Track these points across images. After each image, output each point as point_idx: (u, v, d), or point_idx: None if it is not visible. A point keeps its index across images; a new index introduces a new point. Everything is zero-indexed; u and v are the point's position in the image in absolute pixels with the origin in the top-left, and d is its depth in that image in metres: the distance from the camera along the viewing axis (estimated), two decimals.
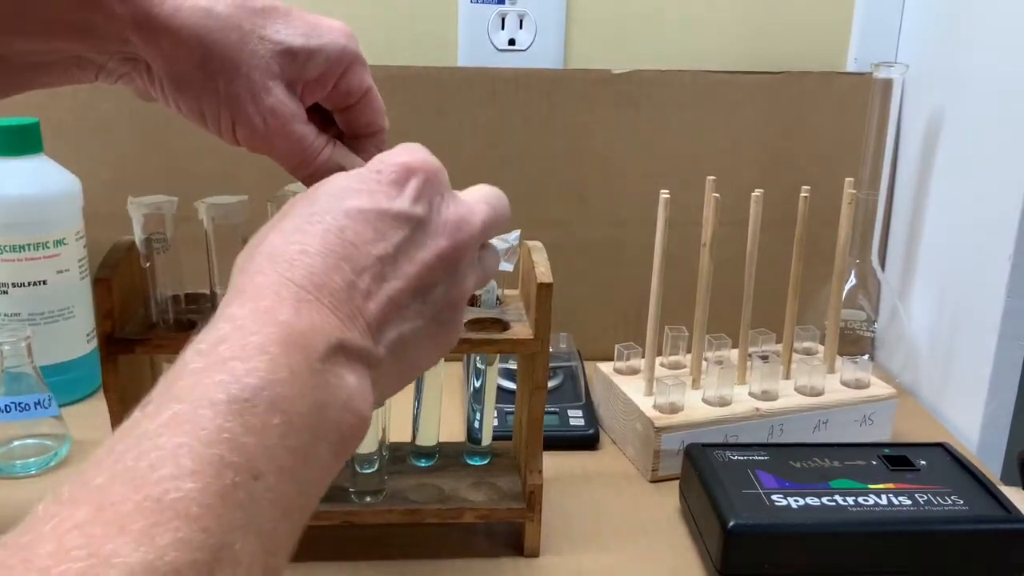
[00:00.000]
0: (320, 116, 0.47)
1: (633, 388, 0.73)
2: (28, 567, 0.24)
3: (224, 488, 0.27)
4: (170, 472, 0.27)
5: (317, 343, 0.33)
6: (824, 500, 0.58)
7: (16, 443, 0.68)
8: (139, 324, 0.55)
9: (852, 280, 0.85)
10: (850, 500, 0.58)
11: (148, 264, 0.55)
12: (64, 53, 0.43)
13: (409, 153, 0.40)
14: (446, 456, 0.64)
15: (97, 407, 0.65)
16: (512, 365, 0.75)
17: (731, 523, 0.55)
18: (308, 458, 0.31)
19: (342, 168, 0.45)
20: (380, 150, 0.48)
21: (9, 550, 0.25)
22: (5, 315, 0.74)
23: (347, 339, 0.34)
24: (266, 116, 0.42)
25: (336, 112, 0.47)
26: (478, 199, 0.42)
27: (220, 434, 0.28)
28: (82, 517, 0.26)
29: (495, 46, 0.88)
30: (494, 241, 0.58)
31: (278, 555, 0.29)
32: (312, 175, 0.45)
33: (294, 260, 0.35)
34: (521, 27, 0.87)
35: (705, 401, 0.71)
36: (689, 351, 0.76)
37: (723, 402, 0.71)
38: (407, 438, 0.64)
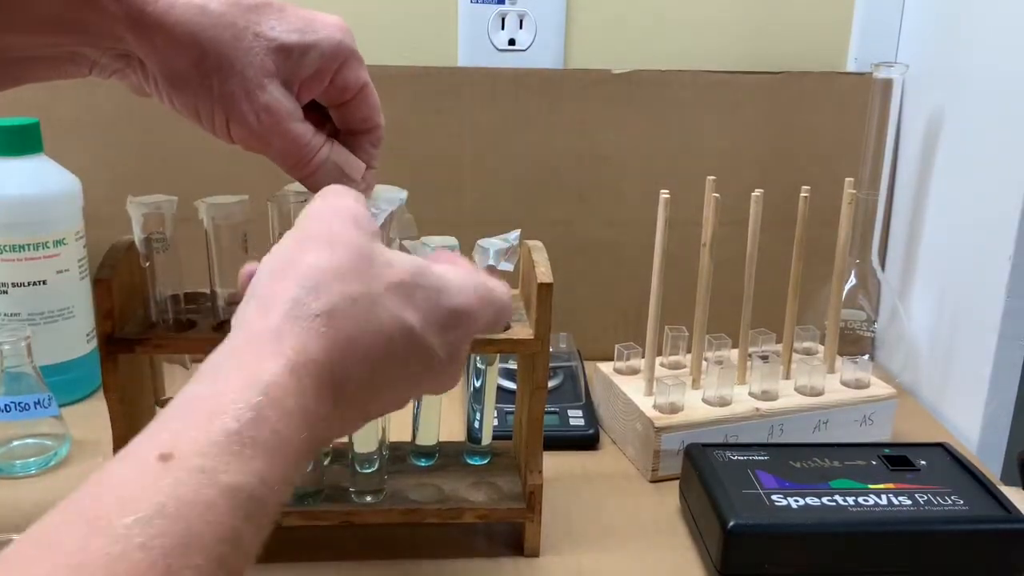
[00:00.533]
0: (318, 114, 0.47)
1: (633, 388, 0.73)
2: None
3: (249, 512, 0.28)
4: (177, 563, 0.26)
5: (320, 437, 0.34)
6: (824, 500, 0.58)
7: (16, 443, 0.68)
8: (139, 324, 0.55)
9: (852, 280, 0.85)
10: (850, 500, 0.58)
11: (148, 264, 0.55)
12: (58, 48, 0.43)
13: (471, 298, 0.39)
14: (446, 456, 0.64)
15: (97, 407, 0.65)
16: (512, 365, 0.75)
17: (731, 523, 0.55)
18: (293, 486, 0.33)
19: (339, 169, 0.45)
20: (375, 147, 0.48)
21: None
22: (5, 315, 0.74)
23: (328, 438, 0.36)
24: (260, 114, 0.42)
25: (332, 108, 0.47)
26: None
27: (231, 532, 0.28)
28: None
29: (495, 46, 0.88)
30: (495, 240, 0.58)
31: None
32: (310, 175, 0.45)
33: (342, 347, 0.34)
34: (521, 27, 0.87)
35: (705, 401, 0.71)
36: (689, 351, 0.76)
37: (723, 402, 0.71)
38: (407, 438, 0.64)
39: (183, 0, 0.40)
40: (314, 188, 0.44)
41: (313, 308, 0.34)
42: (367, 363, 0.35)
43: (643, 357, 0.74)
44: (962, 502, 0.58)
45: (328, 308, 0.34)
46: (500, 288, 0.42)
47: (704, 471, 0.60)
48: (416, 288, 0.37)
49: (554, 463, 0.69)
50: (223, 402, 0.30)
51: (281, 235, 0.46)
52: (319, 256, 0.35)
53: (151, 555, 0.26)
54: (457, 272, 0.40)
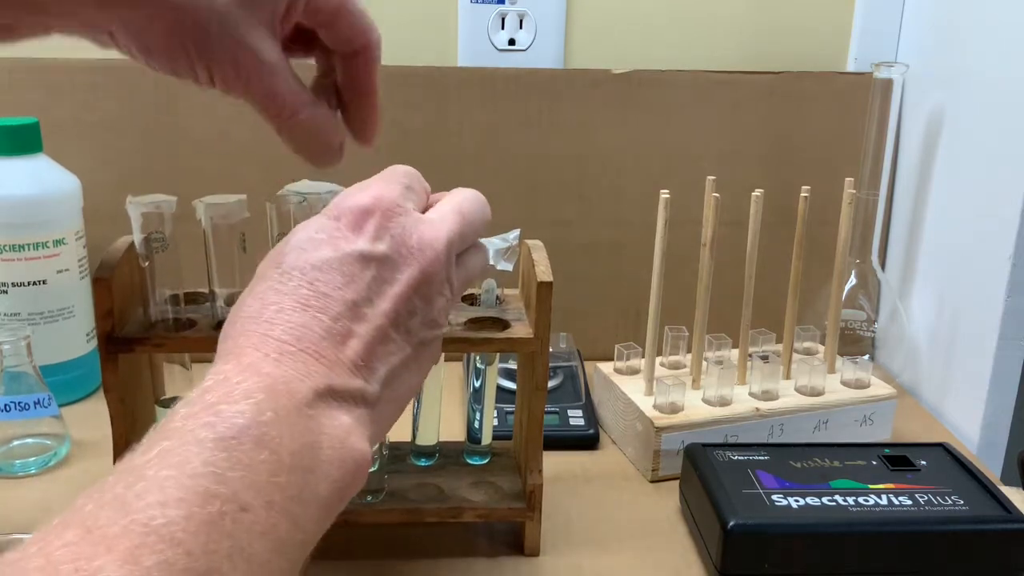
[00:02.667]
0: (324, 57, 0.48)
1: (633, 388, 0.73)
2: None
3: (210, 516, 0.28)
4: (156, 499, 0.28)
5: (302, 388, 0.34)
6: (824, 500, 0.58)
7: (16, 442, 0.68)
8: (138, 323, 0.55)
9: (852, 280, 0.85)
10: (850, 500, 0.58)
11: (147, 263, 0.55)
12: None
13: (362, 192, 0.41)
14: (446, 456, 0.64)
15: (97, 407, 0.65)
16: (512, 365, 0.75)
17: (731, 523, 0.55)
18: (303, 495, 0.32)
19: (314, 131, 0.45)
20: (371, 66, 0.49)
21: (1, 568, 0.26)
22: (5, 315, 0.74)
23: (335, 383, 0.36)
24: (241, 71, 0.41)
25: (320, 33, 0.47)
26: (449, 210, 0.43)
27: (206, 467, 0.29)
28: (71, 537, 0.26)
29: (495, 46, 0.88)
30: (495, 239, 0.58)
31: None
32: (286, 129, 0.45)
33: (273, 319, 0.36)
34: (521, 27, 0.87)
35: (705, 401, 0.71)
36: (689, 351, 0.76)
37: (723, 402, 0.71)
38: (407, 437, 0.64)
39: None
40: (289, 142, 0.45)
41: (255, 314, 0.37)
42: (313, 310, 0.37)
43: (643, 357, 0.74)
44: (962, 502, 0.58)
45: (256, 309, 0.37)
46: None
47: (704, 471, 0.60)
48: (310, 230, 0.40)
49: (554, 463, 0.69)
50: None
51: (280, 235, 0.47)
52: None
53: (128, 499, 0.28)
54: (354, 186, 0.43)
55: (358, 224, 0.40)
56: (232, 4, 0.40)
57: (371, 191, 0.41)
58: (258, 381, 0.33)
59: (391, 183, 0.43)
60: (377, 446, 0.58)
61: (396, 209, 0.41)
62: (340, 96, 0.49)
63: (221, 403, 0.32)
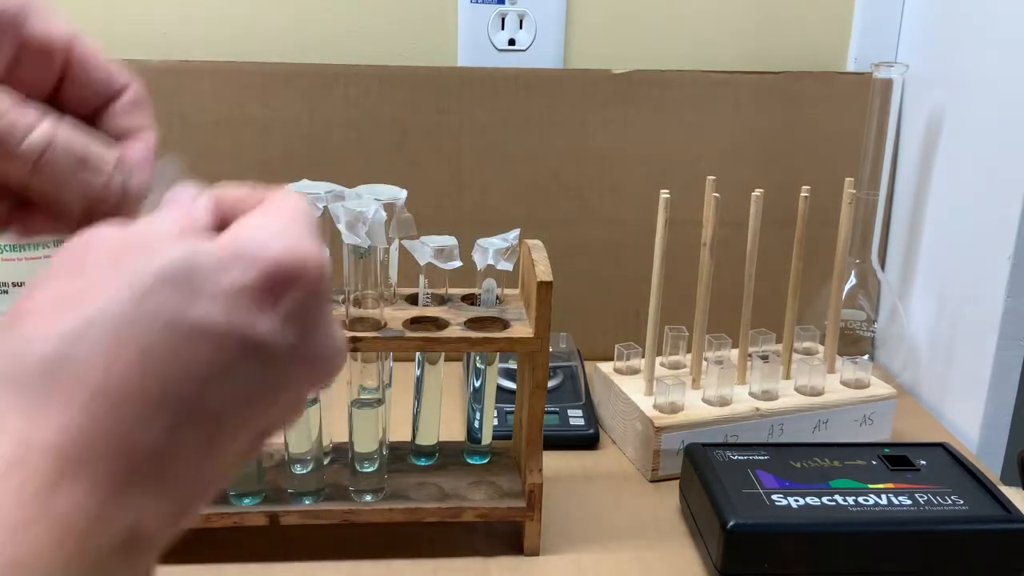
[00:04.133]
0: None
1: (633, 388, 0.73)
2: None
3: None
4: None
5: (104, 534, 0.23)
6: (824, 500, 0.58)
7: None
8: None
9: (852, 280, 0.85)
10: (850, 500, 0.58)
11: None
12: None
13: (290, 243, 0.26)
14: (446, 455, 0.64)
15: None
16: (512, 365, 0.75)
17: (731, 523, 0.55)
18: None
19: (75, 157, 0.30)
20: (138, 107, 0.34)
21: None
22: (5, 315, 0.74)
23: (145, 523, 0.24)
24: None
25: (58, 94, 0.32)
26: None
27: None
28: None
29: (495, 46, 0.88)
30: (495, 239, 0.58)
31: None
32: (35, 171, 0.29)
33: (85, 403, 0.23)
34: (521, 27, 0.87)
35: (705, 401, 0.71)
36: (689, 351, 0.76)
37: (723, 402, 0.71)
38: (407, 437, 0.64)
39: None
40: (50, 193, 0.30)
41: (26, 363, 0.24)
42: (153, 404, 0.24)
43: (643, 357, 0.74)
44: (962, 502, 0.58)
45: (46, 356, 0.23)
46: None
47: (704, 471, 0.60)
48: (193, 272, 0.25)
49: (554, 463, 0.69)
50: None
51: None
52: (33, 299, 0.26)
53: None
54: (257, 218, 0.28)
55: (273, 291, 0.26)
56: None
57: (301, 246, 0.27)
58: (42, 536, 0.22)
59: (316, 241, 0.28)
60: (377, 446, 0.58)
61: (324, 283, 0.27)
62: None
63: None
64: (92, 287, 0.25)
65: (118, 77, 0.33)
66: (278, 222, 0.27)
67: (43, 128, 0.29)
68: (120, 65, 0.33)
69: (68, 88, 0.33)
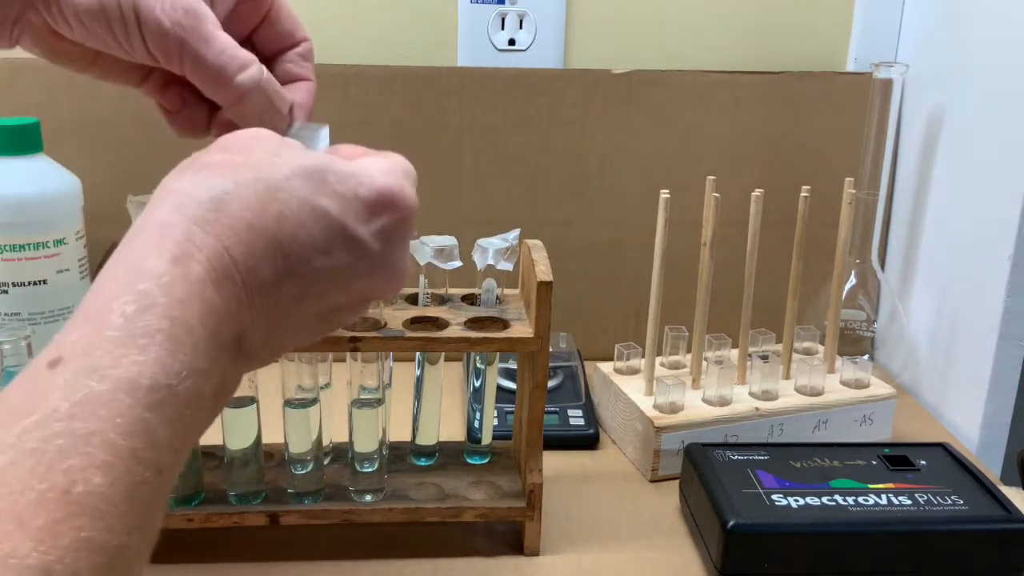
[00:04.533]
0: None
1: (633, 388, 0.73)
2: None
3: (133, 485, 0.25)
4: (79, 463, 0.24)
5: (228, 331, 0.31)
6: (824, 500, 0.58)
7: None
8: None
9: (852, 280, 0.85)
10: (850, 500, 0.58)
11: None
12: None
13: (395, 180, 0.36)
14: (446, 455, 0.64)
15: None
16: (512, 365, 0.75)
17: (731, 523, 0.55)
18: (194, 438, 0.30)
19: (268, 99, 0.40)
20: (308, 60, 0.44)
21: None
22: (5, 315, 0.74)
23: (248, 337, 0.32)
24: (177, 13, 0.37)
25: (253, 36, 0.43)
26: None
27: (137, 425, 0.26)
28: None
29: (495, 46, 0.88)
30: (495, 239, 0.58)
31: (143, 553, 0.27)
32: (237, 99, 0.40)
33: (239, 231, 0.31)
34: (521, 27, 0.87)
35: (705, 401, 0.71)
36: (689, 351, 0.76)
37: (723, 402, 0.71)
38: (407, 437, 0.64)
39: None
40: (242, 120, 0.40)
41: (200, 196, 0.31)
42: (277, 251, 0.32)
43: (643, 357, 0.74)
44: (962, 502, 0.58)
45: (217, 195, 0.32)
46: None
47: (704, 471, 0.60)
48: (326, 173, 0.34)
49: (554, 463, 0.69)
50: (107, 299, 0.28)
51: None
52: (212, 156, 0.34)
53: (46, 458, 0.24)
54: (375, 159, 0.37)
55: (375, 209, 0.35)
56: None
57: (405, 188, 0.36)
58: (197, 311, 0.29)
59: (413, 189, 0.38)
60: (377, 446, 0.58)
61: (411, 220, 0.37)
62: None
63: (160, 338, 0.28)
64: (257, 161, 0.33)
65: (300, 29, 0.43)
66: (388, 166, 0.37)
67: (254, 69, 0.39)
68: (301, 23, 0.42)
69: (261, 32, 0.42)
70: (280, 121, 0.41)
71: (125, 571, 0.25)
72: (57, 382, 0.26)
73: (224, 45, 0.38)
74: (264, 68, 0.40)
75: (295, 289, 0.33)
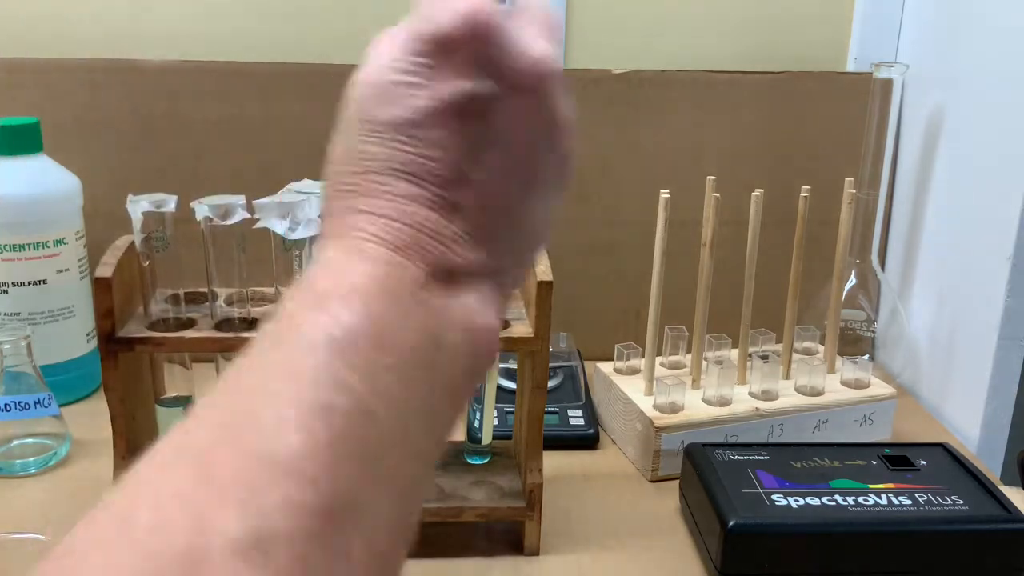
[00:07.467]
0: None
1: (633, 388, 0.73)
2: (126, 543, 0.22)
3: (333, 437, 0.25)
4: (271, 424, 0.24)
5: (416, 273, 0.30)
6: (824, 500, 0.58)
7: (16, 442, 0.68)
8: (139, 323, 0.55)
9: (852, 280, 0.85)
10: (850, 500, 0.58)
11: (148, 263, 0.55)
12: None
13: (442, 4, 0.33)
14: (446, 455, 0.64)
15: (97, 406, 0.65)
16: (512, 365, 0.75)
17: (731, 523, 0.55)
18: (433, 389, 0.29)
19: None
20: None
21: (107, 518, 0.23)
22: (5, 315, 0.74)
23: (443, 261, 0.31)
24: None
25: None
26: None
27: (323, 378, 0.26)
28: (182, 483, 0.23)
29: None
30: None
31: (409, 502, 0.27)
32: None
33: (373, 192, 0.31)
34: None
35: (705, 401, 0.71)
36: (689, 351, 0.76)
37: (723, 402, 0.71)
38: None
39: None
40: None
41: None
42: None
43: (643, 357, 0.74)
44: (962, 502, 0.58)
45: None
46: None
47: (704, 471, 0.60)
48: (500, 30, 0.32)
49: (554, 463, 0.69)
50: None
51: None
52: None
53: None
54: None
55: (451, 59, 0.33)
56: None
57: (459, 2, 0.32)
58: (366, 269, 0.29)
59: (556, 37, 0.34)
60: None
61: (494, 26, 0.32)
62: None
63: (330, 298, 0.28)
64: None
65: None
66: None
67: None
68: None
69: None
70: None
71: (355, 524, 0.24)
72: (246, 361, 0.27)
73: None
74: None
75: (456, 188, 0.32)
